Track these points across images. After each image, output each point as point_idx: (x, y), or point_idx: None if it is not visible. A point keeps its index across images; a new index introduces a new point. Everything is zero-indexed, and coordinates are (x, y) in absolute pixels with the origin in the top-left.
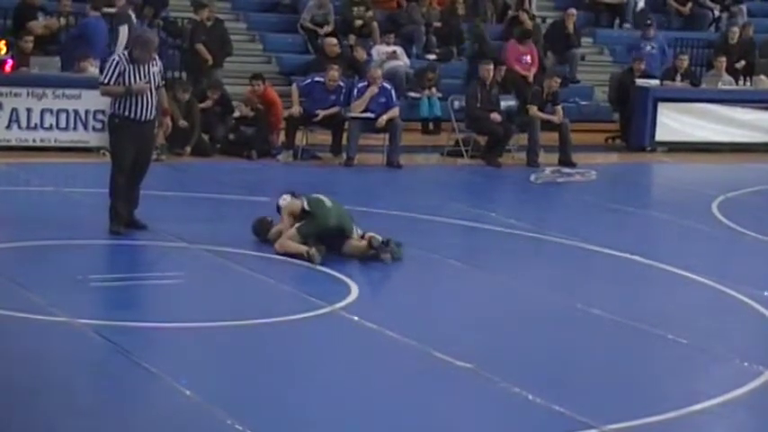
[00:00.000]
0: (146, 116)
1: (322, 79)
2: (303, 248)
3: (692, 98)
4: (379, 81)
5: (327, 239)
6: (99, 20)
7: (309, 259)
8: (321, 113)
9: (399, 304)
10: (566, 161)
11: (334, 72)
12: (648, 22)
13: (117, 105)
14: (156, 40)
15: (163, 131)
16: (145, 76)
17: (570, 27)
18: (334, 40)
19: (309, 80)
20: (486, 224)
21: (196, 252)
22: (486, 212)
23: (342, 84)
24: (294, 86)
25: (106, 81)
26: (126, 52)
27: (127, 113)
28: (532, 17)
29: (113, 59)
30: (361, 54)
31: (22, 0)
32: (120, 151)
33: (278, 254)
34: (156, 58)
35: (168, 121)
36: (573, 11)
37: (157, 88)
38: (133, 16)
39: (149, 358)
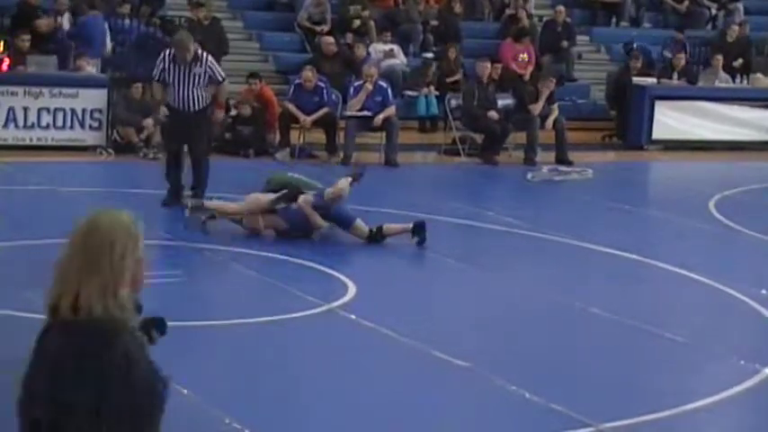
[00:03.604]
0: (186, 107)
1: (301, 80)
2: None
3: (688, 96)
4: (373, 78)
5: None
6: (97, 18)
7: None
8: (308, 120)
9: (397, 303)
10: (562, 159)
11: (308, 72)
12: (634, 52)
13: (167, 97)
14: (185, 40)
15: (216, 122)
16: (184, 76)
17: (560, 24)
18: (331, 39)
19: (293, 86)
20: (483, 222)
21: (194, 251)
22: (483, 211)
23: (322, 84)
24: (287, 103)
25: (154, 75)
26: (171, 51)
27: (172, 104)
28: (529, 15)
29: (162, 55)
30: (360, 52)
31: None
32: (167, 136)
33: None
34: (206, 57)
35: (219, 113)
36: (561, 8)
37: (219, 83)
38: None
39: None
